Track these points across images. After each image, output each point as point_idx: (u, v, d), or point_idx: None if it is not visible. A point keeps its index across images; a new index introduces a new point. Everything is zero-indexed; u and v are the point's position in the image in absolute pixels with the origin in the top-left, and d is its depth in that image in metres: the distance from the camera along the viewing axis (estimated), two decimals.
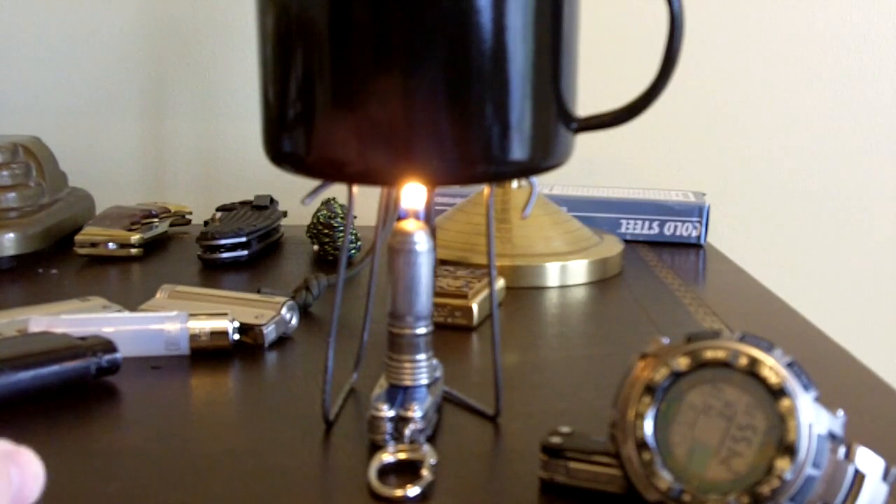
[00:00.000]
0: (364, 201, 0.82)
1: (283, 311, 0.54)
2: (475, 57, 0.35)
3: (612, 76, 0.92)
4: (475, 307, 0.57)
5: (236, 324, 0.52)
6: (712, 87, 0.95)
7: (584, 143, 0.92)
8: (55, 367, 0.45)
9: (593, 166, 0.96)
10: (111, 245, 0.73)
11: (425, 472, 0.36)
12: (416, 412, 0.39)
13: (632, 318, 0.60)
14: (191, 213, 0.85)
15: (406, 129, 0.35)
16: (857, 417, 0.44)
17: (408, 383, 0.40)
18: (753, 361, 0.32)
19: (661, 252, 0.79)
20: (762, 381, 0.32)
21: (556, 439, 0.36)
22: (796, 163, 0.96)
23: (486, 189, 0.42)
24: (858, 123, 0.96)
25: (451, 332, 0.57)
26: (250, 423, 0.43)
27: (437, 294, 0.56)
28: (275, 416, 0.44)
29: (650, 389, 0.33)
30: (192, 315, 0.51)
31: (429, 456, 0.37)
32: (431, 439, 0.41)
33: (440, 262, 0.69)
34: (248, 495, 0.36)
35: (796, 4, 0.94)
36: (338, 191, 0.84)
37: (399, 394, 0.40)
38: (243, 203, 0.82)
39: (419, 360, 0.40)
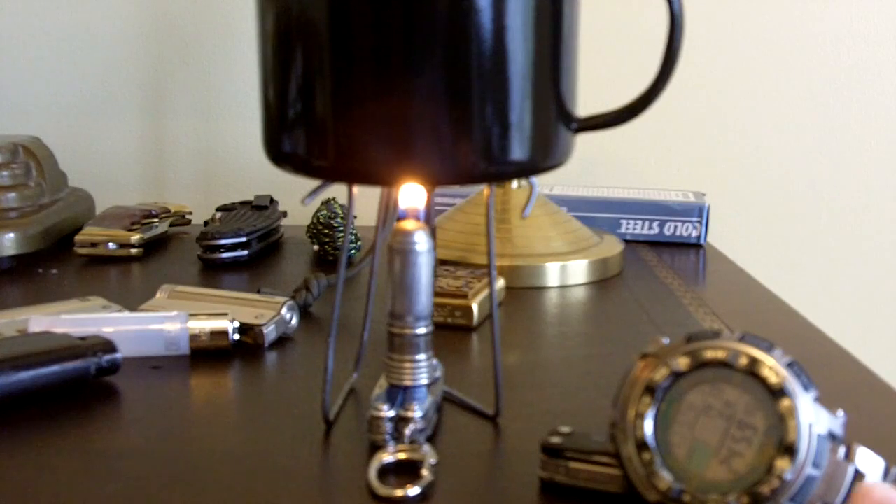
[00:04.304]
0: (364, 201, 0.82)
1: (283, 311, 0.54)
2: (475, 57, 0.35)
3: (612, 76, 0.92)
4: (475, 307, 0.57)
5: (236, 324, 0.52)
6: (712, 87, 0.95)
7: (584, 143, 0.93)
8: (55, 367, 0.45)
9: (593, 166, 0.96)
10: (111, 245, 0.73)
11: (425, 472, 0.36)
12: (416, 412, 0.39)
13: (632, 318, 0.60)
14: (191, 213, 0.85)
15: (406, 129, 0.35)
16: (857, 417, 0.44)
17: (408, 383, 0.40)
18: (753, 361, 0.32)
19: (661, 252, 0.79)
20: (762, 381, 0.32)
21: (556, 439, 0.36)
22: (796, 163, 0.96)
23: (486, 189, 0.42)
24: (858, 123, 0.96)
25: (451, 332, 0.57)
26: (250, 423, 0.43)
27: (437, 294, 0.56)
28: (275, 416, 0.44)
29: (650, 389, 0.33)
30: (192, 315, 0.51)
31: (429, 456, 0.37)
32: (431, 439, 0.41)
33: (440, 262, 0.69)
34: (248, 495, 0.36)
35: (796, 5, 0.94)
36: (338, 191, 0.84)
37: (399, 394, 0.40)
38: (243, 203, 0.82)
39: (419, 360, 0.40)
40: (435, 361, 0.43)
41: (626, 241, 0.82)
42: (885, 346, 0.99)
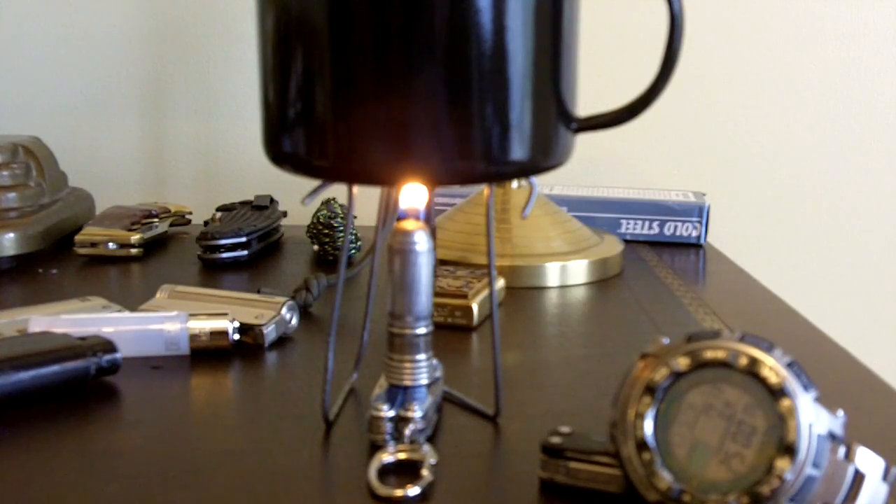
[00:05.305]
0: (364, 201, 0.82)
1: (283, 311, 0.54)
2: (475, 57, 0.35)
3: (612, 76, 0.92)
4: (475, 307, 0.57)
5: (236, 324, 0.52)
6: (712, 87, 0.95)
7: (584, 143, 0.93)
8: (55, 367, 0.45)
9: (593, 166, 0.96)
10: (111, 245, 0.73)
11: (425, 472, 0.36)
12: (416, 412, 0.39)
13: (632, 318, 0.60)
14: (191, 213, 0.85)
15: (406, 129, 0.35)
16: (857, 417, 0.44)
17: (408, 383, 0.40)
18: (753, 361, 0.32)
19: (661, 252, 0.79)
20: (762, 381, 0.32)
21: (556, 439, 0.36)
22: (796, 163, 0.97)
23: (486, 189, 0.42)
24: (858, 123, 0.96)
25: (451, 332, 0.57)
26: (250, 423, 0.43)
27: (437, 294, 0.56)
28: (275, 416, 0.44)
29: (650, 389, 0.33)
30: (192, 315, 0.51)
31: (429, 456, 0.37)
32: (431, 439, 0.41)
33: (440, 262, 0.69)
34: (248, 495, 0.36)
35: (796, 4, 0.94)
36: (338, 191, 0.84)
37: (399, 394, 0.40)
38: (243, 203, 0.82)
39: (419, 360, 0.40)
40: (435, 361, 0.43)
41: (626, 241, 0.82)
42: (885, 346, 0.99)
